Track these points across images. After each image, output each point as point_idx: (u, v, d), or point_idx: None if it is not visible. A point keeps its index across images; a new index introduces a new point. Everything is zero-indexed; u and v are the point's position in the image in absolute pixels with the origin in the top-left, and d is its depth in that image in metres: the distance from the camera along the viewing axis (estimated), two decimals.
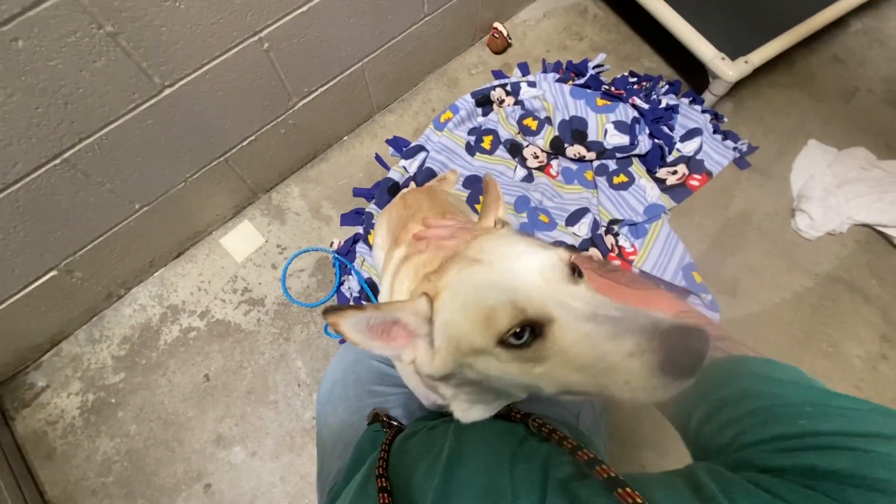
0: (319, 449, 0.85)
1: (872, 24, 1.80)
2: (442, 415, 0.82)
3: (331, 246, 1.44)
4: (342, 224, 1.46)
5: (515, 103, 1.57)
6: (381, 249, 1.09)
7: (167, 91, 1.03)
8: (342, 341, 1.33)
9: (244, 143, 1.31)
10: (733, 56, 1.45)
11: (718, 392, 0.39)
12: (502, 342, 0.39)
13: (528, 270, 0.41)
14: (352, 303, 1.37)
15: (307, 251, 1.45)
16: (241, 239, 1.48)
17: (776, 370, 0.39)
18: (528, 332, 0.38)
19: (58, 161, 0.97)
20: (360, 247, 1.42)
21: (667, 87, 1.63)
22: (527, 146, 1.53)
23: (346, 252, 1.41)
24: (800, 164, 1.56)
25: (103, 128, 0.99)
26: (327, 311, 0.42)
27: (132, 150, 1.08)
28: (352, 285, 1.38)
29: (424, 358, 0.46)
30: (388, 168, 1.52)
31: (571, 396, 0.40)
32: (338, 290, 1.39)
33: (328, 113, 1.45)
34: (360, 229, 1.44)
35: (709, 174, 1.52)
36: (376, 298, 1.33)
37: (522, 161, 1.52)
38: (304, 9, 1.12)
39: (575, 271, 0.42)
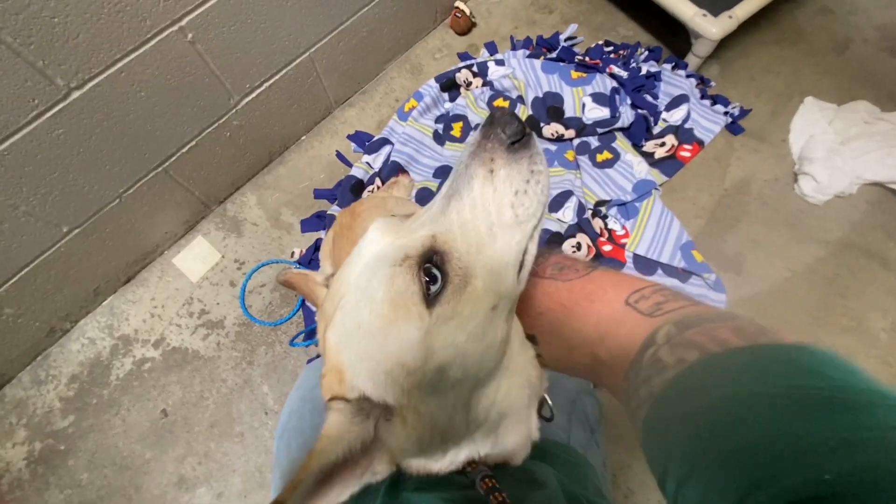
0: (274, 492, 0.72)
1: None
2: None
3: (291, 256, 1.31)
4: (303, 231, 1.33)
5: (483, 84, 1.44)
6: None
7: (75, 94, 0.90)
8: (310, 361, 1.20)
9: (184, 150, 1.18)
10: (715, 13, 1.33)
11: (699, 430, 0.24)
12: (426, 301, 0.33)
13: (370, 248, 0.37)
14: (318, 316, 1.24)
15: (266, 264, 1.32)
16: (196, 257, 1.35)
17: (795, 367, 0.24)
18: (437, 274, 0.34)
19: None
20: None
21: (646, 53, 1.51)
22: None
23: (309, 261, 1.28)
24: (798, 123, 1.44)
25: (1, 142, 0.86)
26: None
27: (45, 165, 0.95)
28: None
29: (398, 441, 0.36)
30: (350, 165, 1.39)
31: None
32: (303, 304, 1.26)
33: (279, 111, 1.32)
34: (322, 234, 1.31)
35: (700, 143, 1.39)
36: None
37: None
38: None
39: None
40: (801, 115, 1.45)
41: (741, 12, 1.33)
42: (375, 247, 0.36)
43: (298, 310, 1.26)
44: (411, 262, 0.34)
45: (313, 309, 1.25)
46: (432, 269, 0.34)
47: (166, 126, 1.10)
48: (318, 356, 1.19)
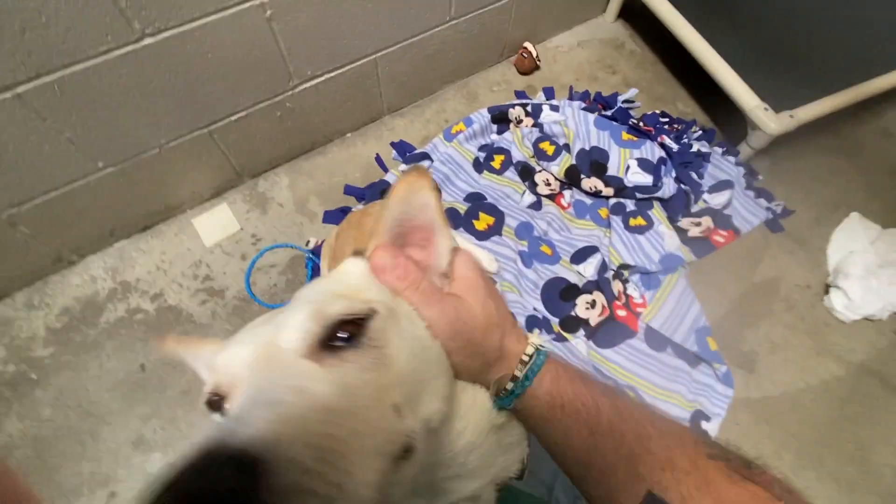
0: None
1: None
2: None
3: (306, 245, 1.30)
4: (324, 221, 1.33)
5: (534, 125, 1.45)
6: None
7: (147, 40, 0.93)
8: None
9: (233, 118, 1.20)
10: (777, 109, 1.33)
11: None
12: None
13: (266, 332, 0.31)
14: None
15: (281, 246, 1.32)
16: (215, 222, 1.35)
17: None
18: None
19: (8, 95, 0.87)
20: None
21: (700, 132, 1.51)
22: (539, 171, 1.40)
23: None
24: (839, 236, 1.41)
25: (66, 67, 0.88)
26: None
27: (100, 101, 0.97)
28: None
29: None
30: (386, 171, 1.40)
31: None
32: None
33: (332, 104, 1.35)
34: None
35: (736, 231, 1.37)
36: None
37: (532, 186, 1.39)
38: None
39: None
40: (844, 229, 1.42)
41: (803, 115, 1.33)
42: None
43: None
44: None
45: None
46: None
47: (223, 91, 1.12)
48: None
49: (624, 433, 0.33)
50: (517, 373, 0.36)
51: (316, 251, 1.28)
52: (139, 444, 1.11)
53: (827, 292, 1.32)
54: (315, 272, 1.26)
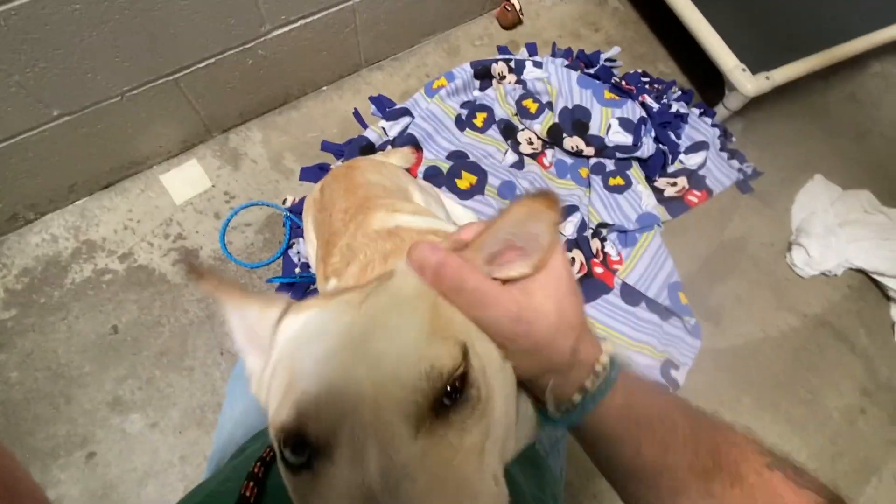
0: (217, 435, 0.69)
1: (891, 68, 1.73)
2: None
3: (283, 203, 1.26)
4: (301, 178, 1.29)
5: (517, 82, 1.42)
6: (311, 247, 0.92)
7: None
8: None
9: (201, 65, 1.12)
10: (755, 71, 1.35)
11: None
12: (280, 442, 0.26)
13: (370, 373, 0.25)
14: (298, 269, 1.20)
15: (257, 204, 1.27)
16: (185, 179, 1.29)
17: None
18: (304, 456, 0.25)
19: None
20: None
21: (679, 93, 1.52)
22: (522, 130, 1.39)
23: (301, 211, 1.24)
24: (803, 197, 1.47)
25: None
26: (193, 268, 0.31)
27: (52, 39, 0.89)
28: (301, 249, 1.21)
29: (256, 382, 0.33)
30: (365, 126, 1.36)
31: None
32: (284, 253, 1.22)
33: (308, 53, 1.28)
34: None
35: (709, 192, 1.41)
36: None
37: (515, 145, 1.37)
38: None
39: (447, 405, 0.26)
40: (807, 190, 1.48)
41: (779, 76, 1.35)
42: (370, 380, 0.26)
43: (278, 258, 1.22)
44: (298, 426, 0.26)
45: (295, 261, 1.21)
46: (308, 450, 0.26)
47: (190, 35, 1.04)
48: None
49: (698, 449, 0.30)
50: (588, 384, 0.30)
51: (294, 210, 1.25)
52: (116, 405, 1.09)
53: (789, 250, 1.39)
54: (294, 231, 1.23)
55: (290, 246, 1.23)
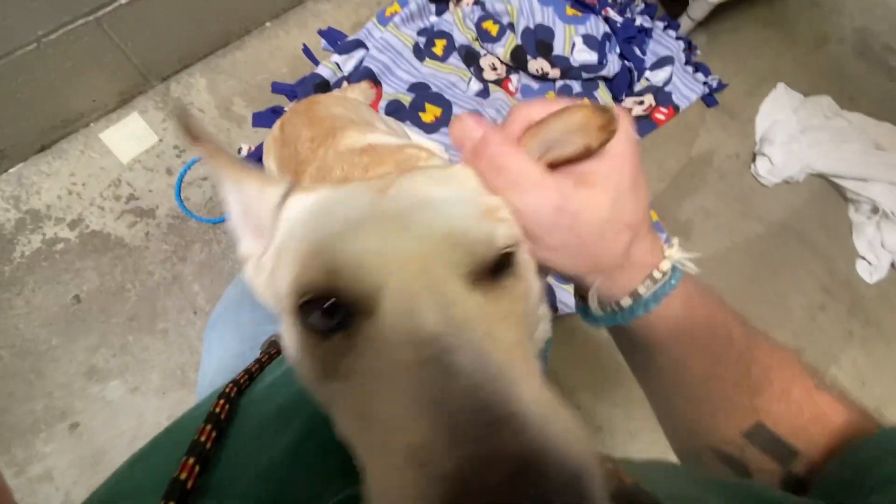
0: (199, 390, 0.68)
1: None
2: None
3: (239, 152, 1.19)
4: (255, 125, 1.21)
5: (475, 3, 1.34)
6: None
7: None
8: None
9: (123, 1, 1.01)
10: None
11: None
12: (301, 309, 0.24)
13: (416, 236, 0.23)
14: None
15: None
16: (129, 135, 1.19)
17: None
18: (338, 316, 0.23)
19: None
20: None
21: (642, 6, 1.47)
22: (484, 55, 1.33)
23: (259, 159, 1.17)
24: (766, 106, 1.48)
25: None
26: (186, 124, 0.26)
27: None
28: None
29: (250, 264, 0.31)
30: (317, 63, 1.27)
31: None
32: None
33: None
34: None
35: (676, 108, 1.40)
36: None
37: (478, 72, 1.32)
38: None
39: (499, 271, 0.25)
40: (771, 99, 1.49)
41: None
42: (407, 236, 0.24)
43: None
44: (331, 280, 0.24)
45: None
46: (341, 311, 0.24)
47: None
48: None
49: (750, 364, 0.30)
50: (641, 290, 0.29)
51: (252, 157, 1.18)
52: (92, 374, 1.06)
53: (754, 160, 1.41)
54: None
55: None
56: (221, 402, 0.34)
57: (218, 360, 0.66)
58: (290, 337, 0.26)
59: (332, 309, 0.23)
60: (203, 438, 0.30)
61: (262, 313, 0.72)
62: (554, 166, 0.27)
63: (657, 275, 0.29)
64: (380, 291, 0.22)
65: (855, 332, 1.31)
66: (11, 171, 1.15)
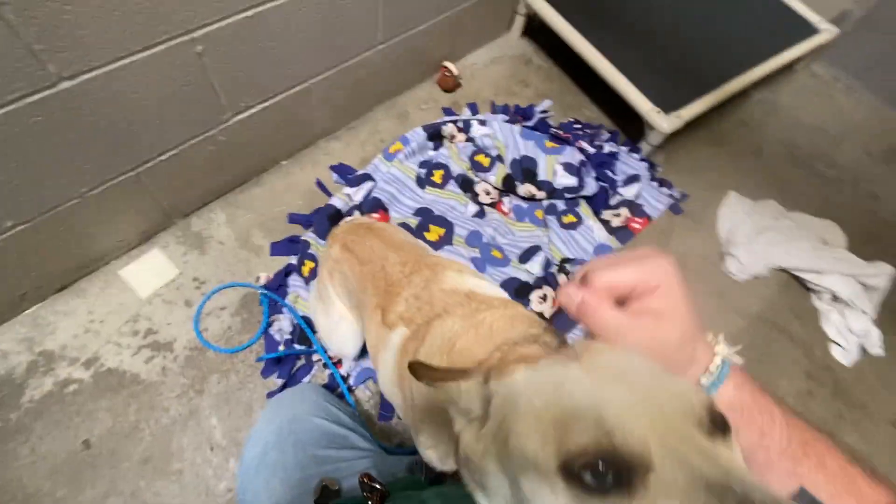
0: None
1: (769, 96, 2.06)
2: (416, 480, 0.68)
3: (257, 281, 1.26)
4: (272, 253, 1.29)
5: (467, 140, 1.54)
6: (326, 305, 0.93)
7: (65, 84, 0.85)
8: (270, 394, 1.13)
9: (163, 158, 1.12)
10: (667, 111, 1.56)
11: None
12: (567, 470, 0.26)
13: (647, 399, 0.29)
14: (282, 346, 1.18)
15: (230, 286, 1.25)
16: (149, 270, 1.25)
17: None
18: (610, 475, 0.26)
19: None
20: (294, 279, 1.26)
21: (608, 135, 1.71)
22: (478, 182, 1.50)
23: (277, 287, 1.24)
24: (723, 212, 1.68)
25: None
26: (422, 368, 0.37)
27: (10, 153, 0.86)
28: (283, 326, 1.20)
29: (469, 436, 0.37)
30: (329, 195, 1.40)
31: None
32: (265, 332, 1.20)
33: (267, 133, 1.31)
34: (293, 259, 1.28)
35: (648, 218, 1.58)
36: (314, 336, 1.16)
37: (474, 196, 1.47)
38: (249, 14, 1.01)
39: (717, 424, 0.30)
40: (725, 206, 1.70)
41: (685, 114, 1.57)
42: (647, 402, 0.29)
43: (260, 337, 1.20)
44: (607, 442, 0.27)
45: (277, 339, 1.19)
46: (610, 471, 0.27)
47: (151, 131, 1.05)
48: (281, 388, 1.13)
49: (791, 439, 0.36)
50: (703, 380, 0.37)
51: (269, 286, 1.24)
52: None
53: (723, 260, 1.58)
54: (272, 308, 1.22)
55: (270, 324, 1.21)
56: None
57: (270, 502, 0.67)
58: (534, 492, 0.28)
59: (603, 470, 0.25)
60: None
61: (307, 455, 0.74)
62: (620, 302, 0.38)
63: (713, 368, 0.38)
64: (648, 448, 0.25)
65: (844, 415, 1.39)
66: (28, 312, 1.16)
